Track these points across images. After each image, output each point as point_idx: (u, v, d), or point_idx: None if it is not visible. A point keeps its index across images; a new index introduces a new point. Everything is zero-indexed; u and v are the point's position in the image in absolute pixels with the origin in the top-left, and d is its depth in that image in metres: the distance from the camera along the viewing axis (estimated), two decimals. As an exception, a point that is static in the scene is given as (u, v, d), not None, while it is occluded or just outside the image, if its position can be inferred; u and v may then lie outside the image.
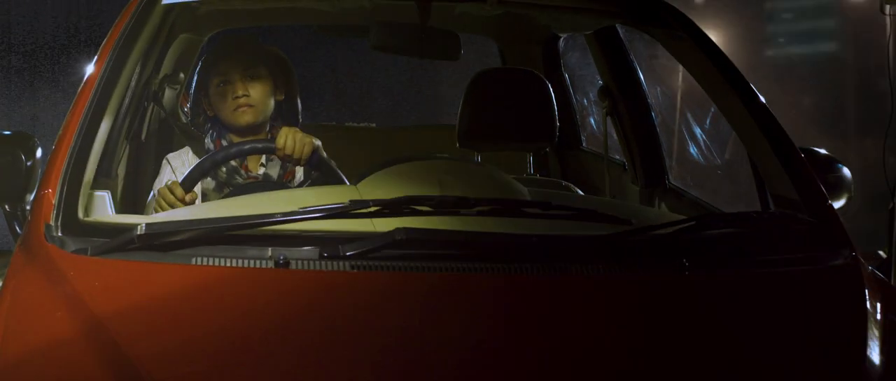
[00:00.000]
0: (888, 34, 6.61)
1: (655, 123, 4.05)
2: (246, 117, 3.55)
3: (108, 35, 3.12)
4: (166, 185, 3.26)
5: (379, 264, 2.41)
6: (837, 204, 3.22)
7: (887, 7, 6.49)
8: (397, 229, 2.44)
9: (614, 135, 4.17)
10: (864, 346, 2.37)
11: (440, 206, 2.56)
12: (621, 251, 2.51)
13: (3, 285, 2.55)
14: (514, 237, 2.49)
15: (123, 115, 3.51)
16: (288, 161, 3.44)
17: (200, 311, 2.36)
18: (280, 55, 3.78)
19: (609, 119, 4.10)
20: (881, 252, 6.45)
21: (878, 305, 2.55)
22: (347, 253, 2.43)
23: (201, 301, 2.39)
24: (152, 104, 4.26)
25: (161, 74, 4.34)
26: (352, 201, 2.58)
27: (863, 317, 2.48)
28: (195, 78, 3.88)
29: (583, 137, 4.83)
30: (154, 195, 3.39)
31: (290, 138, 3.33)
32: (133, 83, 3.46)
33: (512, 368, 2.18)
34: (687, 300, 2.45)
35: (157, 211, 3.19)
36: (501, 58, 5.02)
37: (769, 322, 2.43)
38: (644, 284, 2.46)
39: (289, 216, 2.53)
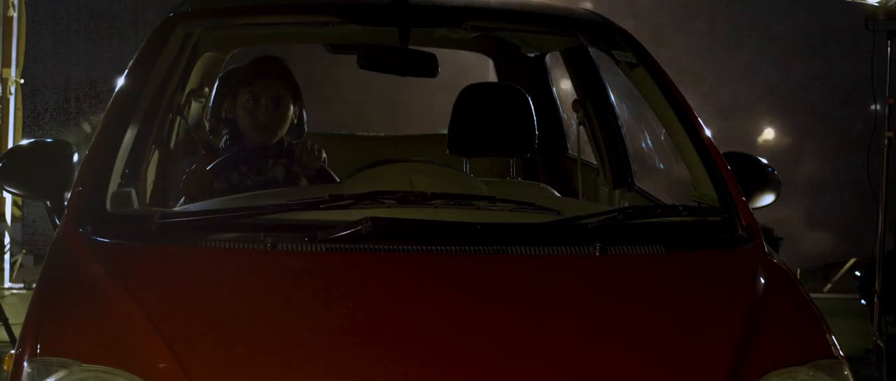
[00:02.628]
0: (872, 48, 7.00)
1: (622, 131, 4.56)
2: (264, 137, 4.03)
3: (135, 55, 3.69)
4: (195, 168, 3.80)
5: (350, 246, 2.98)
6: (767, 201, 3.74)
7: (870, 23, 6.95)
8: (365, 218, 3.01)
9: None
10: (740, 311, 2.91)
11: (402, 199, 3.13)
12: (548, 236, 3.06)
13: (43, 265, 3.14)
14: (461, 224, 3.05)
15: (149, 124, 4.07)
16: (302, 170, 3.97)
17: (205, 283, 2.93)
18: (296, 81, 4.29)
19: (583, 128, 4.62)
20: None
21: (763, 282, 3.09)
22: (324, 237, 3.00)
23: (206, 276, 2.96)
24: (179, 117, 4.84)
25: (187, 89, 4.93)
26: (330, 195, 3.16)
27: (748, 291, 3.02)
28: (218, 84, 4.36)
29: (568, 145, 5.33)
30: (182, 178, 3.93)
31: (303, 152, 3.88)
32: (157, 97, 4.02)
33: (447, 320, 2.76)
34: (599, 275, 3.01)
35: (185, 191, 3.73)
36: (496, 72, 5.55)
37: (666, 293, 2.99)
38: (565, 262, 3.02)
39: (278, 208, 3.11)
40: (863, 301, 7.40)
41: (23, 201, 9.06)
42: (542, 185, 4.22)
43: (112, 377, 2.61)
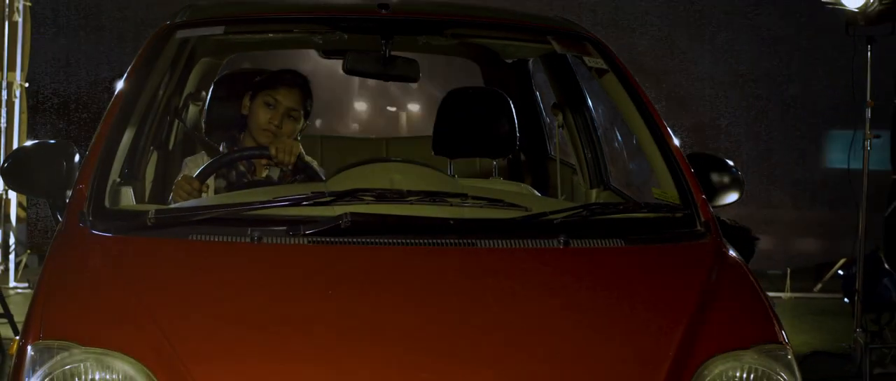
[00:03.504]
0: (852, 53, 7.25)
1: (598, 133, 4.80)
2: (268, 140, 4.27)
3: (133, 61, 3.94)
4: (182, 177, 4.06)
5: (329, 239, 3.24)
6: (731, 198, 3.98)
7: (851, 28, 7.20)
8: (344, 213, 3.26)
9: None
10: (691, 299, 3.16)
11: (381, 196, 3.39)
12: (515, 230, 3.32)
13: (46, 257, 3.39)
14: (434, 219, 3.31)
15: (147, 126, 4.32)
16: (280, 165, 4.23)
17: (195, 273, 3.19)
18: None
19: (561, 131, 4.87)
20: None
21: (716, 273, 3.34)
22: (306, 231, 3.25)
23: (196, 267, 3.22)
24: (177, 119, 5.10)
25: (185, 93, 5.18)
26: (313, 192, 3.42)
27: (700, 281, 3.27)
28: (223, 82, 4.59)
29: (550, 147, 5.56)
30: (186, 165, 4.19)
31: (281, 148, 4.11)
32: (154, 100, 4.27)
33: (420, 303, 3.05)
34: (560, 266, 3.27)
35: (175, 199, 4.00)
36: (483, 77, 5.80)
37: (622, 283, 3.24)
38: (530, 254, 3.27)
39: (264, 204, 3.37)
40: (846, 300, 7.63)
41: (28, 204, 9.33)
42: (523, 185, 4.47)
43: (110, 358, 2.85)
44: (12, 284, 9.15)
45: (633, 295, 3.20)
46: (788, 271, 9.94)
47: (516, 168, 5.44)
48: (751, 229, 5.86)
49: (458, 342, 2.92)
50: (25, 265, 9.34)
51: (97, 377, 2.83)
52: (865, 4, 7.01)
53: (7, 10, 9.10)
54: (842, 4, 7.08)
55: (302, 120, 4.34)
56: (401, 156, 4.85)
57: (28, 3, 9.15)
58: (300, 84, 4.38)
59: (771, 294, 9.67)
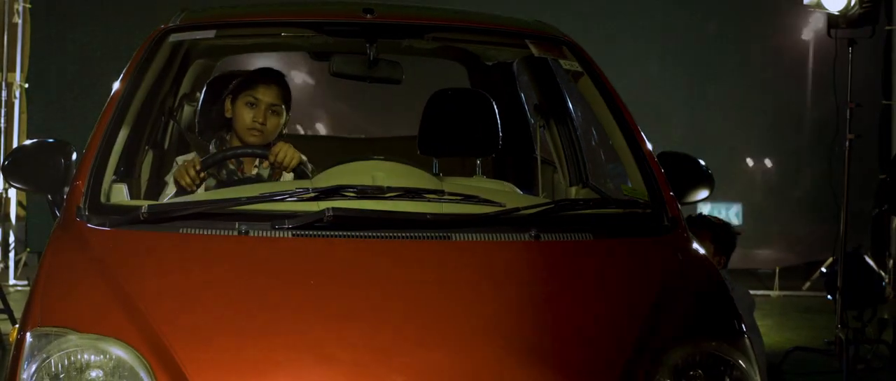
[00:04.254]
0: (834, 55, 7.45)
1: (578, 133, 5.00)
2: (255, 139, 4.45)
3: (128, 63, 4.14)
4: (190, 160, 4.23)
5: (313, 232, 3.44)
6: (702, 195, 4.17)
7: (834, 30, 7.41)
8: (327, 208, 3.47)
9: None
10: (655, 290, 3.36)
11: (361, 192, 3.60)
12: (489, 225, 3.53)
13: (45, 249, 3.59)
14: (411, 214, 3.52)
15: (140, 126, 4.52)
16: (279, 168, 4.42)
17: (185, 264, 3.39)
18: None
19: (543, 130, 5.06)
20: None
21: (680, 265, 3.54)
22: (290, 225, 3.46)
23: (184, 258, 3.42)
24: (172, 119, 5.30)
25: (180, 94, 5.39)
26: (298, 189, 3.62)
27: (665, 272, 3.48)
28: (212, 84, 4.79)
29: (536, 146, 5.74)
30: (175, 168, 4.38)
31: (283, 152, 4.31)
32: (148, 101, 4.46)
33: (395, 292, 3.26)
34: (531, 258, 3.47)
35: (176, 177, 4.16)
36: (469, 78, 6.00)
37: (589, 274, 3.45)
38: (502, 247, 3.48)
39: (251, 199, 3.58)
40: (829, 297, 7.83)
41: (27, 203, 9.53)
42: (505, 182, 4.66)
43: (104, 343, 3.05)
44: (12, 281, 9.36)
45: (598, 285, 3.40)
46: (777, 270, 10.15)
47: (501, 167, 5.63)
48: (730, 224, 6.05)
49: (431, 328, 3.12)
50: (25, 263, 9.54)
51: (92, 361, 3.03)
52: (846, 7, 7.21)
53: (7, 11, 9.32)
54: (823, 7, 7.28)
55: (284, 114, 4.50)
56: (389, 155, 5.05)
57: (28, 5, 9.36)
58: (277, 80, 4.53)
59: (760, 292, 9.94)
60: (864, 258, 7.71)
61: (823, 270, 8.64)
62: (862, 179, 8.65)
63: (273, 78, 4.53)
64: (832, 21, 7.38)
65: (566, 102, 4.97)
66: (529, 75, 5.11)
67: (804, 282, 10.09)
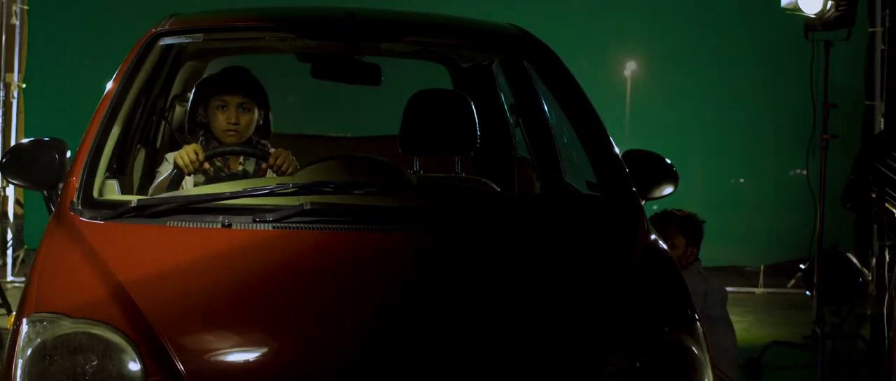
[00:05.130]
0: (811, 58, 7.69)
1: (552, 131, 5.23)
2: (232, 138, 4.69)
3: (120, 66, 4.38)
4: (191, 147, 4.46)
5: (291, 224, 3.69)
6: (667, 191, 4.41)
7: (810, 33, 7.66)
8: (305, 203, 3.72)
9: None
10: (615, 279, 3.60)
11: (338, 188, 3.85)
12: (456, 219, 3.78)
13: (41, 241, 3.84)
14: (380, 207, 3.77)
15: (132, 126, 4.76)
16: (276, 172, 4.66)
17: (171, 254, 3.64)
18: (263, 87, 4.89)
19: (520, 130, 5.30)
20: None
21: (639, 256, 3.79)
22: (270, 218, 3.71)
23: (171, 249, 3.67)
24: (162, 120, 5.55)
25: (171, 95, 5.64)
26: (278, 184, 3.87)
27: (624, 262, 3.72)
28: (195, 91, 5.06)
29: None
30: (166, 161, 4.61)
31: (282, 158, 4.54)
32: (139, 102, 4.71)
33: (362, 277, 3.52)
34: (500, 247, 3.72)
35: (179, 156, 4.41)
36: (451, 79, 6.24)
37: (553, 262, 3.70)
38: (469, 236, 3.73)
39: (233, 194, 3.83)
40: (808, 293, 8.08)
41: (25, 201, 9.78)
42: (483, 179, 4.90)
43: (95, 328, 3.28)
44: (10, 278, 9.61)
45: (560, 275, 3.65)
46: (762, 268, 10.39)
47: (482, 165, 5.87)
48: (696, 215, 6.25)
49: (393, 313, 3.38)
50: (22, 260, 9.78)
51: (84, 344, 3.27)
52: (822, 11, 7.46)
53: (5, 13, 9.57)
54: (800, 10, 7.53)
55: (255, 109, 4.70)
56: (372, 153, 5.29)
57: (25, 7, 9.61)
58: (242, 77, 4.75)
59: (745, 290, 10.19)
60: (842, 256, 7.96)
61: (802, 267, 8.89)
62: (846, 178, 8.87)
63: (238, 76, 4.74)
64: (809, 24, 7.63)
65: (541, 102, 5.20)
66: (505, 76, 5.35)
67: (789, 280, 10.32)
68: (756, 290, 10.38)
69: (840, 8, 7.45)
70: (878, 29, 9.83)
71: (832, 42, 7.60)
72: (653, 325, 3.49)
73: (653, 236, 3.95)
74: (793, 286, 10.23)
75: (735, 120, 10.18)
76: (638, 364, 3.37)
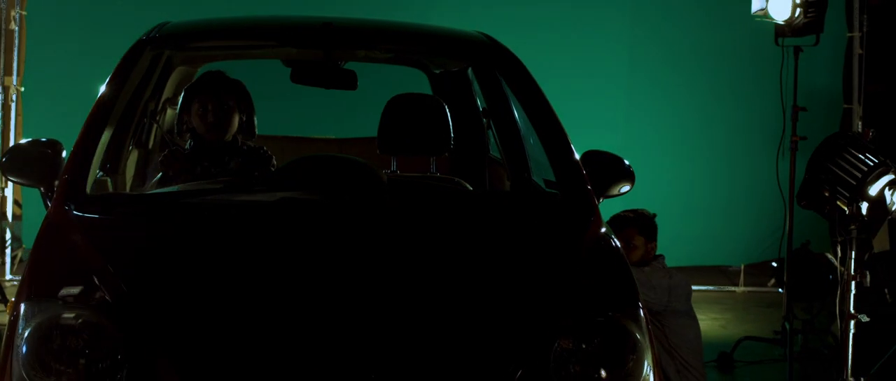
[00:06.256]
0: (781, 63, 8.05)
1: (521, 133, 5.58)
2: (216, 136, 5.07)
3: (112, 71, 4.74)
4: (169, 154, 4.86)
5: (267, 218, 4.06)
6: (624, 189, 4.75)
7: (779, 39, 8.02)
8: (281, 196, 4.09)
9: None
10: (564, 267, 3.95)
11: (311, 184, 4.22)
12: (419, 213, 4.14)
13: (37, 234, 4.19)
14: (348, 201, 4.13)
15: (123, 128, 5.13)
16: (253, 168, 5.02)
17: (157, 245, 4.00)
18: (243, 87, 5.26)
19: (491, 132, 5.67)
20: None
21: (589, 246, 4.14)
22: (254, 212, 4.07)
23: (157, 240, 4.03)
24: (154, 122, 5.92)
25: (163, 98, 6.01)
26: (255, 181, 4.24)
27: (575, 252, 4.08)
28: (182, 96, 5.45)
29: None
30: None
31: (257, 158, 4.93)
32: (131, 105, 5.07)
33: (330, 265, 3.85)
34: (459, 238, 4.09)
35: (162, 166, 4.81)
36: (430, 84, 6.60)
37: (508, 252, 4.05)
38: (432, 228, 4.10)
39: (215, 191, 4.20)
40: (780, 290, 8.44)
41: (23, 201, 10.13)
42: (455, 178, 5.26)
43: (85, 311, 3.63)
44: (8, 276, 9.95)
45: (512, 264, 4.01)
46: (743, 267, 10.74)
47: (457, 165, 6.24)
48: (646, 211, 6.53)
49: (359, 297, 3.74)
50: (21, 260, 10.11)
51: (76, 326, 3.62)
52: (791, 17, 7.83)
53: (4, 18, 9.92)
54: (770, 17, 7.89)
55: (235, 110, 5.07)
56: (352, 153, 5.65)
57: (24, 12, 9.96)
58: (217, 79, 5.10)
59: (726, 289, 10.53)
60: (813, 254, 8.31)
61: (774, 264, 9.23)
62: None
63: (213, 78, 5.10)
64: (779, 30, 8.00)
65: (509, 106, 5.55)
66: (478, 80, 5.71)
67: (769, 278, 10.64)
68: (737, 288, 10.71)
69: (808, 15, 7.80)
70: (856, 34, 10.14)
71: (802, 47, 7.96)
72: (598, 309, 3.81)
73: (603, 230, 4.30)
74: (773, 285, 10.55)
75: (716, 121, 10.49)
76: (583, 345, 3.69)
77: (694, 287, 10.27)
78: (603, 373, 3.68)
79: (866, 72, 10.12)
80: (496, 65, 4.94)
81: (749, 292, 10.68)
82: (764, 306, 9.98)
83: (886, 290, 8.01)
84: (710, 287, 10.74)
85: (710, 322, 9.21)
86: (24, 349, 3.58)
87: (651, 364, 3.78)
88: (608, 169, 4.67)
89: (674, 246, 9.98)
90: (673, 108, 10.52)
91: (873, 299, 7.49)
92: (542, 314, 3.75)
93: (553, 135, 4.62)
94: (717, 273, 11.05)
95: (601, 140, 8.85)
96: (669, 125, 10.52)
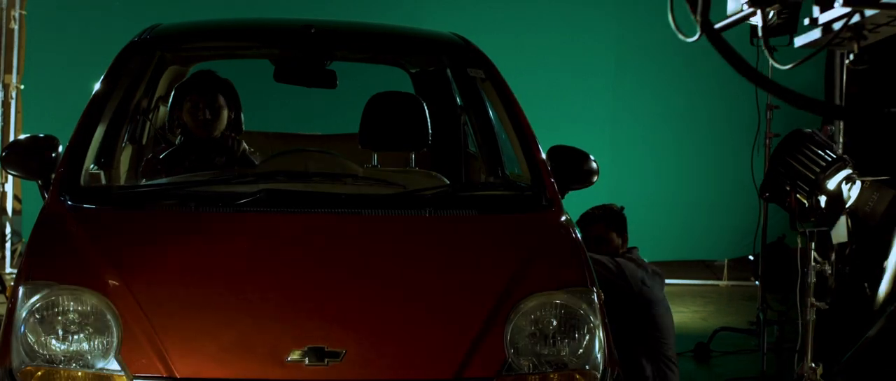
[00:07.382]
0: (755, 62, 8.35)
1: (495, 131, 5.91)
2: (206, 132, 5.43)
3: (105, 71, 5.09)
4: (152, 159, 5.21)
5: (252, 208, 4.40)
6: (593, 179, 5.07)
7: (754, 39, 8.32)
8: (263, 189, 4.44)
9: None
10: (522, 252, 4.29)
11: (292, 176, 4.56)
12: (392, 203, 4.49)
13: (35, 223, 4.54)
14: (329, 194, 4.48)
15: (116, 124, 5.47)
16: (230, 157, 5.37)
17: (147, 232, 4.35)
18: (232, 86, 5.60)
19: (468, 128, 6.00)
20: None
21: (546, 234, 4.48)
22: (235, 202, 4.41)
23: (147, 228, 4.38)
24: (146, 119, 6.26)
25: (156, 96, 6.35)
26: (240, 174, 4.59)
27: (532, 239, 4.42)
28: (173, 94, 5.80)
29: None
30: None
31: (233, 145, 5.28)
32: (124, 103, 5.41)
33: (309, 251, 4.21)
34: (423, 229, 4.43)
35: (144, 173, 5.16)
36: (412, 82, 6.93)
37: (469, 240, 4.40)
38: (401, 220, 4.44)
39: (202, 182, 4.54)
40: (756, 282, 8.78)
41: (22, 196, 10.47)
42: (434, 172, 5.58)
43: (79, 292, 3.98)
44: (8, 269, 10.28)
45: (476, 248, 4.35)
46: (726, 262, 11.07)
47: (436, 160, 6.56)
48: (613, 205, 6.82)
49: (333, 279, 4.09)
50: (20, 254, 10.44)
51: (71, 306, 3.97)
52: (765, 19, 8.13)
53: (4, 18, 10.26)
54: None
55: (224, 107, 5.43)
56: (336, 149, 5.99)
57: (23, 12, 10.30)
58: (205, 78, 5.46)
59: (710, 282, 10.86)
60: (787, 247, 8.64)
61: (751, 257, 9.56)
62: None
63: (202, 78, 5.45)
64: (753, 31, 8.30)
65: (484, 104, 5.88)
66: (455, 80, 6.05)
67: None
68: (720, 282, 11.04)
69: (781, 16, 8.10)
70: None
71: (776, 48, 8.25)
72: (554, 291, 4.14)
73: (563, 218, 4.64)
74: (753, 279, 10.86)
75: (701, 119, 10.79)
76: (538, 323, 4.06)
77: (679, 281, 10.75)
78: (556, 348, 4.03)
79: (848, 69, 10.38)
80: (469, 64, 5.27)
81: (733, 285, 11.01)
82: (745, 299, 10.30)
83: (866, 284, 8.31)
84: (695, 281, 11.06)
85: (690, 314, 9.55)
86: (22, 328, 3.93)
87: (603, 343, 4.11)
88: (573, 164, 4.99)
89: (659, 241, 10.36)
90: (658, 106, 10.81)
91: (852, 292, 7.80)
92: (504, 296, 4.09)
93: (521, 132, 4.95)
94: (702, 267, 11.38)
95: (588, 137, 9.22)
96: (655, 123, 10.82)
